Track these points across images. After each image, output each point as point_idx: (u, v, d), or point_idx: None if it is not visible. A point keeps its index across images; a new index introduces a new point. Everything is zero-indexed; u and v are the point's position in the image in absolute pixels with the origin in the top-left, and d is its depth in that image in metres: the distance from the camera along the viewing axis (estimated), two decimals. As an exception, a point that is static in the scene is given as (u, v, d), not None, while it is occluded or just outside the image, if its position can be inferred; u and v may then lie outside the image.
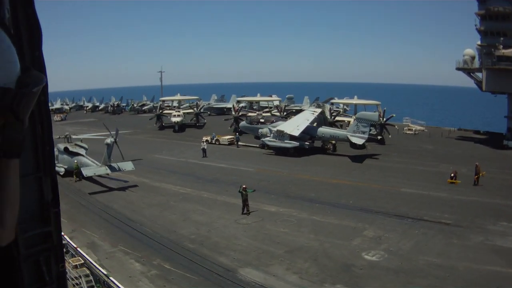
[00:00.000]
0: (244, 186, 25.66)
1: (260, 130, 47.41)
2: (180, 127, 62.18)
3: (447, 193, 28.58)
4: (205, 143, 45.81)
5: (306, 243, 20.82)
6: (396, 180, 32.33)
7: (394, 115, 49.00)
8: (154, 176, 34.93)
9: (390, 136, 47.28)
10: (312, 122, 44.82)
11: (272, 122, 47.67)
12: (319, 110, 47.26)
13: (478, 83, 49.01)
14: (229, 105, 70.58)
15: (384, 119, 48.30)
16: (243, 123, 51.88)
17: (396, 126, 48.97)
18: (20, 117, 1.49)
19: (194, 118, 65.38)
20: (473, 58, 48.15)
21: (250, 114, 57.63)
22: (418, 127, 54.18)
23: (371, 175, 34.58)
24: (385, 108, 50.21)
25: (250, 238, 21.74)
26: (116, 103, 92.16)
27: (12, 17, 1.97)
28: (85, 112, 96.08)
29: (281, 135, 43.37)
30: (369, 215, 24.61)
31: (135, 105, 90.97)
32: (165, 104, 73.61)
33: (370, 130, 41.96)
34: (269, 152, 45.23)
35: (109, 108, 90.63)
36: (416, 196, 28.26)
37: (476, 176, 30.31)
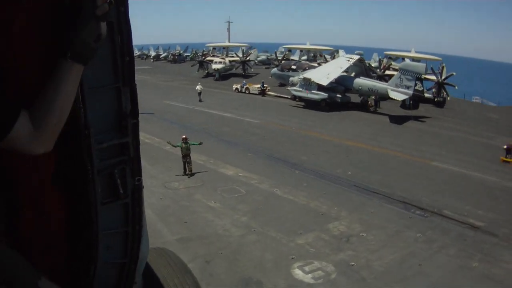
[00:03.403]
0: (184, 136, 17.96)
1: (290, 79, 38.40)
2: (224, 76, 55.89)
3: (495, 176, 18.44)
4: (200, 85, 39.83)
5: (223, 231, 12.79)
6: (433, 150, 22.41)
7: (454, 73, 36.91)
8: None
9: (449, 98, 36.68)
10: (350, 72, 34.78)
11: (305, 69, 38.13)
12: (356, 57, 36.49)
13: None
14: (295, 58, 61.58)
15: (443, 77, 36.58)
16: (274, 70, 43.17)
17: (456, 87, 37.23)
18: None
19: (240, 67, 58.49)
20: None
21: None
22: None
23: (404, 140, 24.80)
24: (443, 65, 38.21)
25: (153, 210, 14.25)
26: (177, 52, 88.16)
27: None
28: (152, 60, 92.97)
29: (307, 83, 34.03)
30: (362, 196, 15.61)
31: (198, 54, 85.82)
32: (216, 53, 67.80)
33: (416, 85, 30.95)
34: (299, 104, 36.47)
35: (170, 56, 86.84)
36: (450, 174, 18.40)
37: None
